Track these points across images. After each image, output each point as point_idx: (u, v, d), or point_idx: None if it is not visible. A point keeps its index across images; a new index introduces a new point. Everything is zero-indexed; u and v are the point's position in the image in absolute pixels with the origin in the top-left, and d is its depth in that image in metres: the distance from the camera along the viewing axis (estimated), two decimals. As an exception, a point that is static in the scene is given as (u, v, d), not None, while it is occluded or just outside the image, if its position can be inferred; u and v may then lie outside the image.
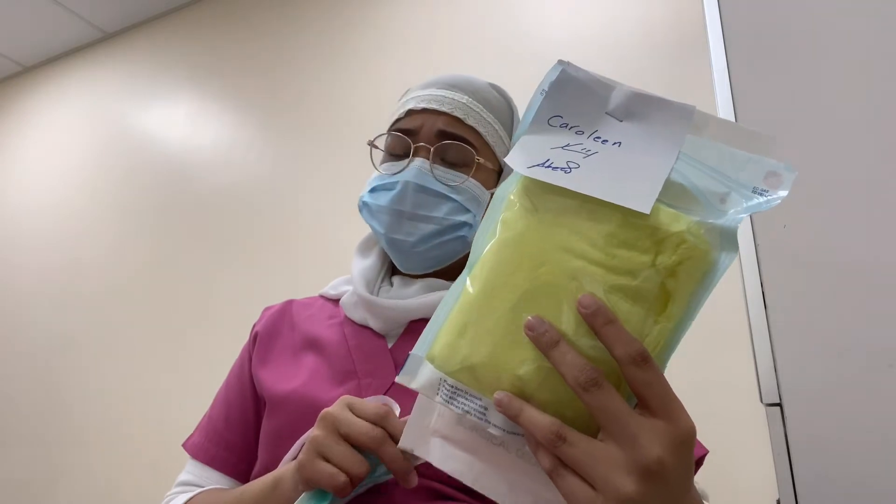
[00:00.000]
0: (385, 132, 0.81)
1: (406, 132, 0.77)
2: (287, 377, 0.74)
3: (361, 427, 0.53)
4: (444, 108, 0.76)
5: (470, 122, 0.77)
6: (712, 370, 1.31)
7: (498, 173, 0.80)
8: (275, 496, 0.60)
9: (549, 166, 0.42)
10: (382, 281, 0.80)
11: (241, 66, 2.39)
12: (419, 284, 0.77)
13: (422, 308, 0.74)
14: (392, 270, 0.83)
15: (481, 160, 0.76)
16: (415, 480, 0.53)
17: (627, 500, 0.36)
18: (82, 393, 2.35)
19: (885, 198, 0.77)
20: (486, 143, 0.78)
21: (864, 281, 0.75)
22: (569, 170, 0.42)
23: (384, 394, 0.68)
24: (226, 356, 0.83)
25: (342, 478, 0.52)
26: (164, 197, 2.42)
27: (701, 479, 0.65)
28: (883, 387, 0.71)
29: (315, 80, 2.21)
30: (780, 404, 0.75)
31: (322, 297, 0.86)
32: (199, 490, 0.73)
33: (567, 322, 0.40)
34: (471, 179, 0.76)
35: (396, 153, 0.78)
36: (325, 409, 0.55)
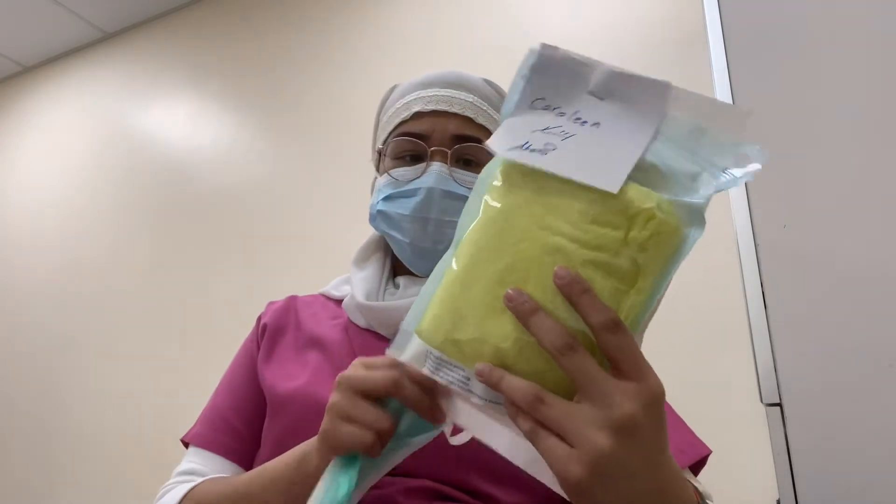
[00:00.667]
0: (391, 136, 0.78)
1: (418, 136, 0.75)
2: (290, 377, 0.73)
3: (377, 376, 0.51)
4: (454, 109, 0.75)
5: (480, 121, 0.76)
6: (712, 370, 1.31)
7: None
8: (299, 474, 0.56)
9: (527, 148, 0.44)
10: (386, 285, 0.79)
11: (242, 66, 2.39)
12: (422, 284, 0.77)
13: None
14: (394, 272, 0.82)
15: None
16: (443, 416, 0.50)
17: (602, 454, 0.38)
18: (82, 393, 2.35)
19: (885, 198, 0.77)
20: None
21: (864, 281, 0.75)
22: (545, 152, 0.44)
23: None
24: (226, 356, 0.83)
25: (370, 436, 0.49)
26: (163, 197, 2.42)
27: (701, 479, 0.64)
28: (883, 387, 0.71)
29: (315, 80, 2.21)
30: (780, 404, 0.75)
31: (323, 295, 0.86)
32: (203, 479, 0.70)
33: (544, 294, 0.42)
34: None
35: (408, 158, 0.76)
36: (341, 374, 0.53)
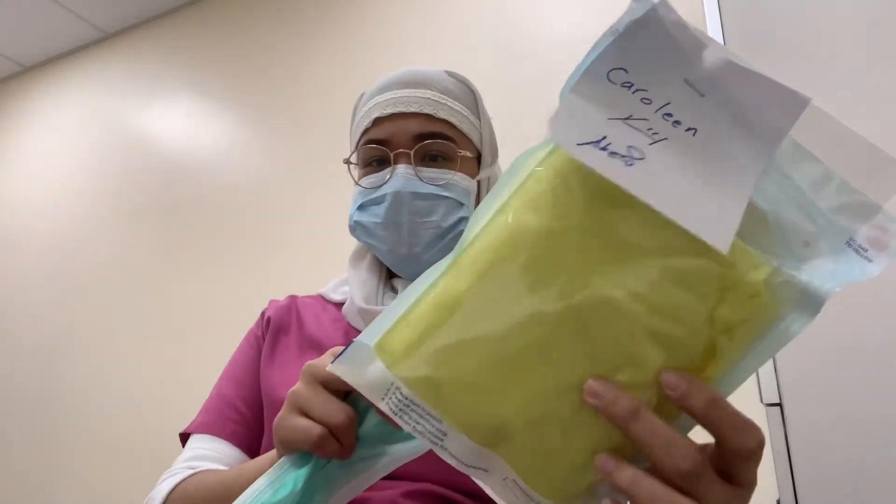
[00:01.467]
0: (355, 147, 0.78)
1: (379, 142, 0.75)
2: (290, 382, 0.72)
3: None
4: (411, 109, 0.74)
5: (441, 115, 0.75)
6: (712, 370, 1.31)
7: (477, 159, 0.79)
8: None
9: (605, 149, 0.30)
10: (385, 288, 0.79)
11: (241, 66, 2.39)
12: None
13: None
14: (390, 274, 0.82)
15: (462, 152, 0.75)
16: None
17: None
18: (82, 392, 2.35)
19: (885, 198, 0.77)
20: (461, 132, 0.77)
21: (863, 281, 0.75)
22: (631, 160, 0.30)
23: None
24: (225, 355, 0.83)
25: (317, 430, 0.42)
26: (163, 196, 2.42)
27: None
28: (883, 387, 0.71)
29: (314, 81, 2.21)
30: (780, 404, 0.75)
31: (322, 297, 0.86)
32: (194, 471, 0.68)
33: (579, 369, 0.31)
34: (457, 173, 0.74)
35: (375, 165, 0.76)
36: (308, 362, 0.48)
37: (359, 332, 0.75)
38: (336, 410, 0.42)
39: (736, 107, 0.31)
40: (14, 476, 2.41)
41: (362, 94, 0.82)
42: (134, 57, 2.70)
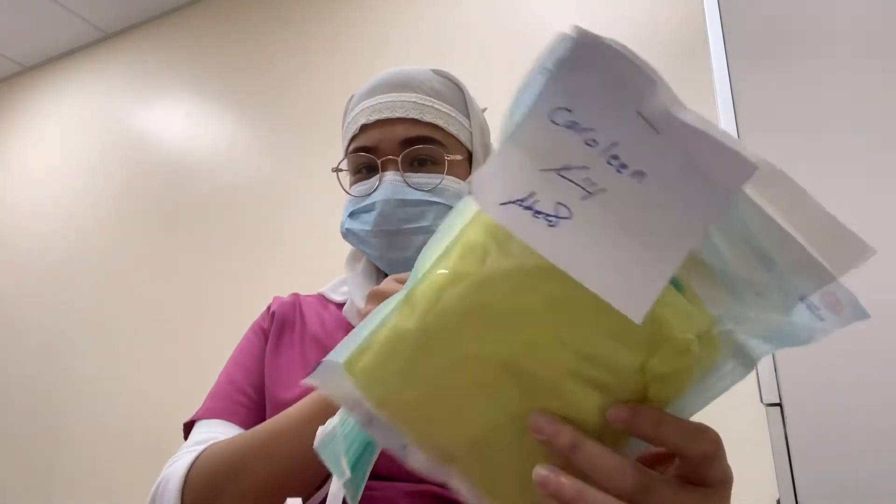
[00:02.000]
0: (344, 155, 0.78)
1: (366, 149, 0.75)
2: (292, 383, 0.72)
3: None
4: (397, 114, 0.74)
5: (427, 118, 0.74)
6: (712, 370, 1.31)
7: (468, 160, 0.78)
8: (333, 407, 0.53)
9: (530, 207, 0.29)
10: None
11: (242, 66, 2.39)
12: None
13: None
14: (385, 275, 0.82)
15: (450, 156, 0.74)
16: None
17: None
18: (82, 392, 2.35)
19: (885, 196, 0.77)
20: (450, 135, 0.76)
21: (863, 280, 0.75)
22: (555, 220, 0.29)
23: None
24: (225, 355, 0.83)
25: None
26: (163, 197, 2.42)
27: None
28: (883, 387, 0.71)
29: (314, 81, 2.21)
30: (780, 404, 0.75)
31: (323, 297, 0.86)
32: (209, 443, 0.66)
33: (517, 404, 0.33)
34: (447, 177, 0.74)
35: (364, 172, 0.76)
36: (374, 287, 0.58)
37: None
38: None
39: (688, 153, 0.29)
40: (14, 476, 2.41)
41: (352, 97, 0.82)
42: (134, 57, 2.70)
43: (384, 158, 0.74)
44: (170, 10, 2.66)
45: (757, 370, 0.79)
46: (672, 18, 1.65)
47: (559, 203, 0.29)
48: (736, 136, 0.87)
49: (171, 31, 2.64)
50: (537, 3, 1.88)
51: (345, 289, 0.84)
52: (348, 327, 0.77)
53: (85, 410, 2.32)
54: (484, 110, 0.84)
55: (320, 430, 0.42)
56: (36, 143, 2.89)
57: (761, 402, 0.78)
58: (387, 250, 0.74)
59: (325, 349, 0.74)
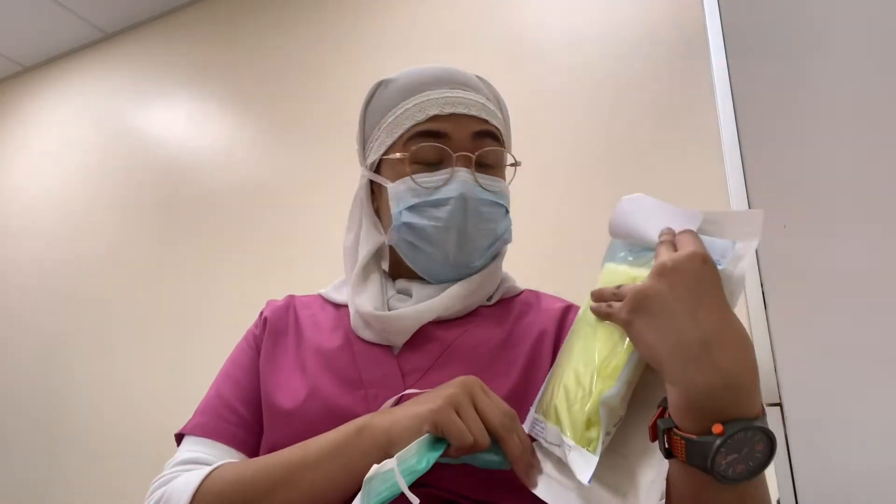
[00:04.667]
0: (402, 140, 0.73)
1: (439, 140, 0.72)
2: (290, 391, 0.71)
3: (496, 409, 0.57)
4: (471, 112, 0.73)
5: (494, 122, 0.75)
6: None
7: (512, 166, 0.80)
8: (358, 441, 0.58)
9: None
10: (388, 294, 0.78)
11: (242, 66, 2.39)
12: (436, 285, 0.76)
13: (436, 308, 0.72)
14: (393, 278, 0.81)
15: (508, 161, 0.76)
16: (534, 483, 0.55)
17: (639, 291, 0.50)
18: (81, 392, 2.35)
19: (885, 197, 0.77)
20: (502, 141, 0.78)
21: (863, 280, 0.75)
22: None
23: (394, 404, 0.65)
24: (224, 356, 0.83)
25: (470, 438, 0.54)
26: (163, 196, 2.42)
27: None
28: (883, 387, 0.71)
29: (315, 80, 2.21)
30: (780, 404, 0.75)
31: (322, 297, 0.85)
32: (217, 465, 0.66)
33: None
34: (504, 182, 0.76)
35: (429, 164, 0.73)
36: (463, 378, 0.59)
37: (358, 337, 0.74)
38: (484, 433, 0.55)
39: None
40: (13, 476, 2.41)
41: (381, 82, 0.79)
42: (134, 57, 2.70)
43: (459, 154, 0.71)
44: (170, 10, 2.66)
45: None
46: (672, 17, 1.65)
47: None
48: (736, 136, 0.87)
49: (171, 31, 2.64)
50: (539, 3, 1.88)
51: (345, 289, 0.83)
52: (347, 333, 0.76)
53: (85, 409, 2.32)
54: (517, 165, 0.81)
55: (375, 468, 0.51)
56: (36, 143, 2.89)
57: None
58: (451, 248, 0.72)
59: (320, 354, 0.73)
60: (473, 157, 0.72)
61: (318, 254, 1.94)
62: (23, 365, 2.56)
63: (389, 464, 0.52)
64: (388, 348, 0.73)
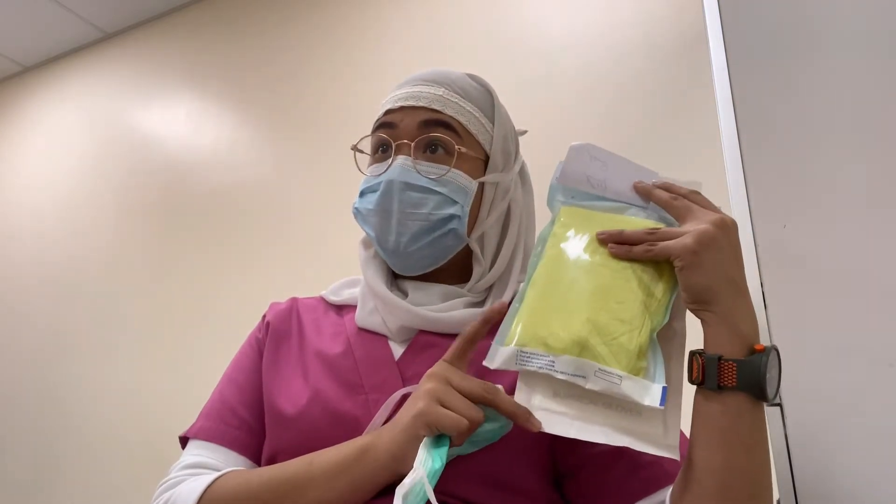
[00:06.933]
0: (367, 136, 0.80)
1: (385, 131, 0.77)
2: (291, 396, 0.72)
3: (474, 383, 0.59)
4: (420, 103, 0.76)
5: (448, 112, 0.76)
6: (712, 370, 1.30)
7: (484, 162, 0.78)
8: (362, 463, 0.60)
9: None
10: (391, 286, 0.79)
11: (242, 65, 2.39)
12: (436, 290, 0.77)
13: (438, 323, 0.74)
14: (394, 272, 0.81)
15: (463, 149, 0.75)
16: (538, 424, 0.57)
17: (704, 231, 0.57)
18: (82, 392, 2.35)
19: (885, 197, 0.77)
20: (469, 132, 0.77)
21: (863, 280, 0.75)
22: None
23: (396, 403, 0.66)
24: (225, 356, 0.83)
25: (465, 422, 0.56)
26: (163, 197, 2.42)
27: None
28: (883, 387, 0.71)
29: (315, 80, 2.21)
30: (780, 404, 0.75)
31: (324, 300, 0.85)
32: (223, 472, 0.67)
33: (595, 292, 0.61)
34: (454, 170, 0.74)
35: (380, 153, 0.78)
36: (431, 370, 0.61)
37: (360, 332, 0.75)
38: (475, 409, 0.58)
39: None
40: (13, 476, 2.41)
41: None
42: (134, 57, 2.70)
43: (399, 142, 0.75)
44: (170, 10, 2.66)
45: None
46: (672, 17, 1.65)
47: None
48: (736, 136, 0.87)
49: (171, 31, 2.64)
50: (539, 3, 1.88)
51: (347, 291, 0.84)
52: (348, 337, 0.77)
53: (85, 409, 2.32)
54: (523, 133, 0.86)
55: (401, 486, 0.53)
56: (36, 143, 2.89)
57: (761, 401, 0.77)
58: (384, 232, 0.74)
59: (323, 358, 0.74)
60: (412, 143, 0.74)
61: (320, 253, 1.94)
62: (23, 364, 2.56)
63: (418, 473, 0.54)
64: (388, 352, 0.74)
